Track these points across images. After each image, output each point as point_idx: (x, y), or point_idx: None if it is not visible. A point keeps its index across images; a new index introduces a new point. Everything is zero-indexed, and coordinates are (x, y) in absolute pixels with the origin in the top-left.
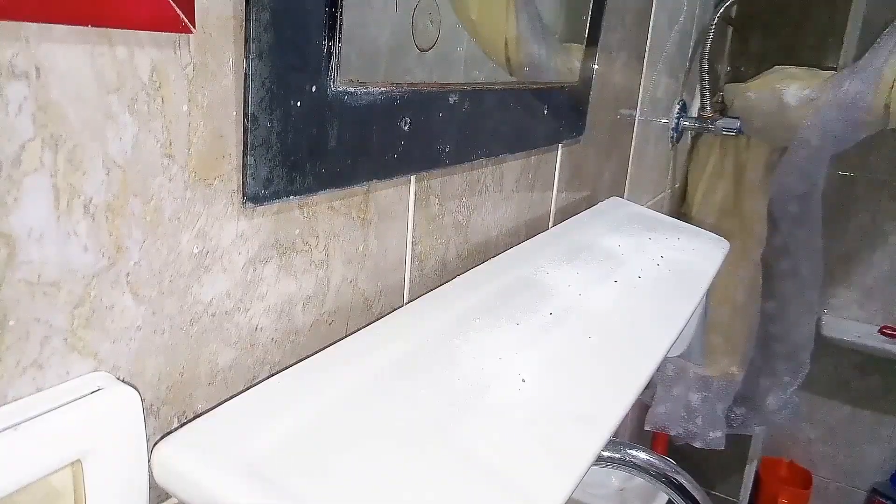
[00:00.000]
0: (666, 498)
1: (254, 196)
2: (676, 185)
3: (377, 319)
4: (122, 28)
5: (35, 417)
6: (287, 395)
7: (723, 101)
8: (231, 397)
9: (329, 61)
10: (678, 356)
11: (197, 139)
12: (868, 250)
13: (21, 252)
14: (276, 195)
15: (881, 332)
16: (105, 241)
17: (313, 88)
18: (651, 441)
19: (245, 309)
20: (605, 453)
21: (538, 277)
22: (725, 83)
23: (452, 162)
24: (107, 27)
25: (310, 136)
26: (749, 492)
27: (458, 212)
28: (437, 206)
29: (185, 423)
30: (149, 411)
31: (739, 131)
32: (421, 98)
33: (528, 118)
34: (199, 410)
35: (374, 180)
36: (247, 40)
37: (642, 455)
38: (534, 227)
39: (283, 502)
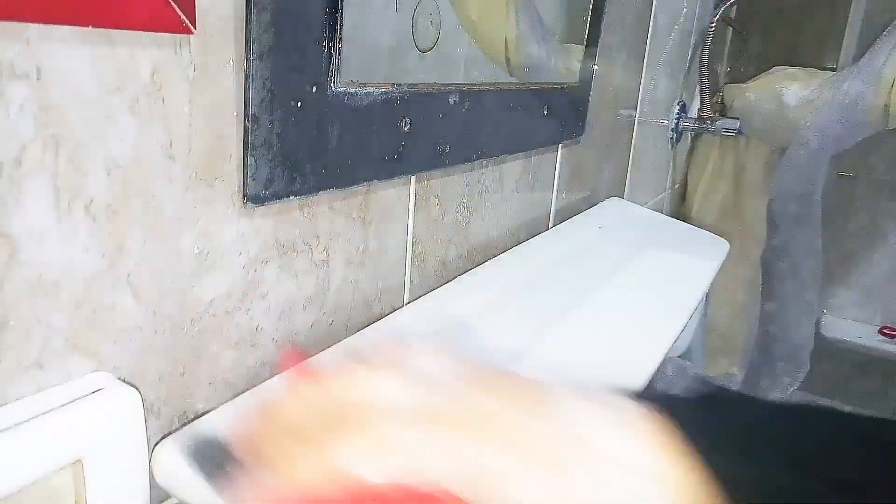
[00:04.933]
0: None
1: (254, 196)
2: (676, 186)
3: (377, 320)
4: (122, 29)
5: (36, 417)
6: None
7: (722, 102)
8: (232, 398)
9: (329, 62)
10: (678, 356)
11: (198, 140)
12: (868, 250)
13: (22, 252)
14: (277, 195)
15: (881, 332)
16: (106, 242)
17: (314, 89)
18: None
19: (246, 309)
20: None
21: (537, 278)
22: (725, 83)
23: (452, 162)
24: (108, 28)
25: (310, 136)
26: None
27: (458, 212)
28: (437, 207)
29: (185, 424)
30: (149, 411)
31: (739, 132)
32: (421, 99)
33: (527, 119)
34: (199, 410)
35: (374, 181)
36: (247, 41)
37: None
38: (534, 228)
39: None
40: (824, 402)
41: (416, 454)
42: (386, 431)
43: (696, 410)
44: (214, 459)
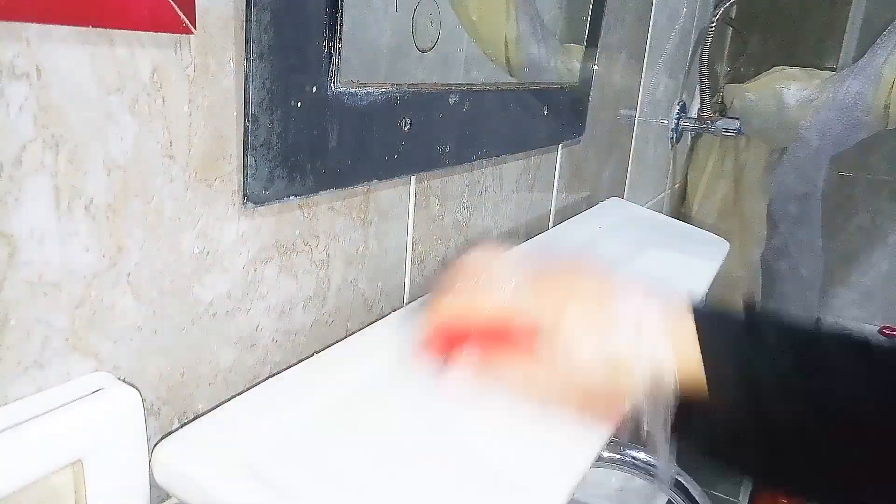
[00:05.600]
0: (666, 498)
1: (254, 196)
2: (676, 186)
3: (377, 320)
4: (122, 29)
5: (36, 417)
6: (288, 396)
7: (722, 102)
8: (232, 397)
9: (329, 62)
10: None
11: (198, 139)
12: (868, 251)
13: (22, 252)
14: (277, 195)
15: (881, 332)
16: (106, 242)
17: (314, 89)
18: None
19: (246, 309)
20: (605, 453)
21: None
22: (725, 84)
23: (452, 162)
24: (107, 28)
25: (310, 136)
26: (749, 492)
27: (458, 212)
28: (437, 207)
29: (185, 424)
30: (149, 411)
31: (739, 132)
32: (421, 99)
33: (527, 119)
34: (199, 410)
35: (375, 181)
36: (247, 41)
37: (642, 455)
38: (534, 228)
39: (282, 503)
40: None
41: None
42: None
43: (717, 320)
44: None
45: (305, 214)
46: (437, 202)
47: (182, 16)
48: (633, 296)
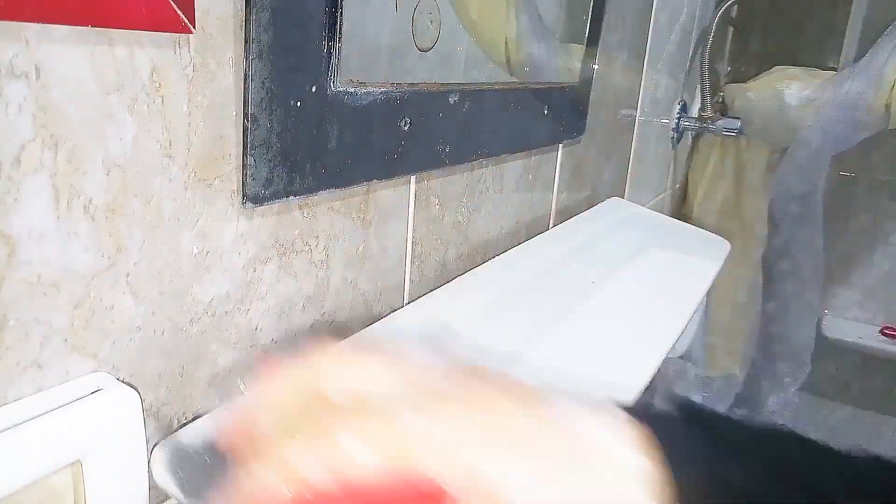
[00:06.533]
0: None
1: (254, 196)
2: (677, 186)
3: (377, 320)
4: (121, 28)
5: (35, 418)
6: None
7: (723, 102)
8: (231, 398)
9: (329, 61)
10: (678, 356)
11: (197, 139)
12: (868, 250)
13: (21, 252)
14: (276, 195)
15: (882, 332)
16: (105, 242)
17: (313, 88)
18: None
19: (245, 309)
20: None
21: (537, 279)
22: (726, 83)
23: (452, 162)
24: (107, 27)
25: (310, 136)
26: None
27: (458, 212)
28: (437, 207)
29: (185, 424)
30: (149, 412)
31: (740, 132)
32: (421, 98)
33: (528, 118)
34: (198, 411)
35: (374, 180)
36: (247, 40)
37: None
38: (534, 228)
39: None
40: (825, 402)
41: (408, 444)
42: (377, 420)
43: (675, 426)
44: (199, 470)
45: (305, 214)
46: (437, 202)
47: (181, 15)
48: (569, 417)
